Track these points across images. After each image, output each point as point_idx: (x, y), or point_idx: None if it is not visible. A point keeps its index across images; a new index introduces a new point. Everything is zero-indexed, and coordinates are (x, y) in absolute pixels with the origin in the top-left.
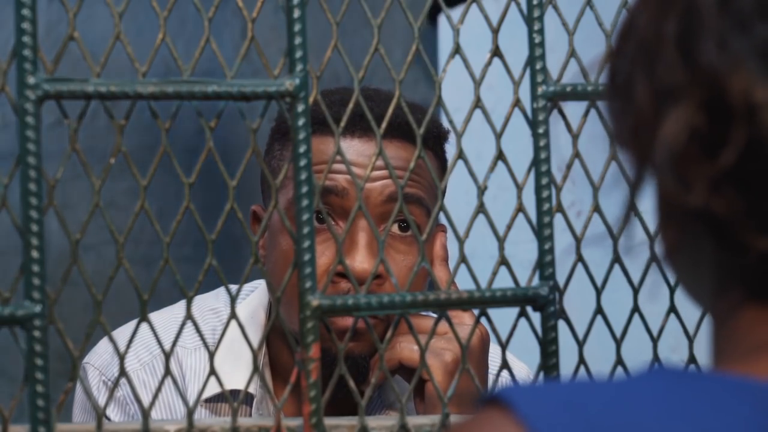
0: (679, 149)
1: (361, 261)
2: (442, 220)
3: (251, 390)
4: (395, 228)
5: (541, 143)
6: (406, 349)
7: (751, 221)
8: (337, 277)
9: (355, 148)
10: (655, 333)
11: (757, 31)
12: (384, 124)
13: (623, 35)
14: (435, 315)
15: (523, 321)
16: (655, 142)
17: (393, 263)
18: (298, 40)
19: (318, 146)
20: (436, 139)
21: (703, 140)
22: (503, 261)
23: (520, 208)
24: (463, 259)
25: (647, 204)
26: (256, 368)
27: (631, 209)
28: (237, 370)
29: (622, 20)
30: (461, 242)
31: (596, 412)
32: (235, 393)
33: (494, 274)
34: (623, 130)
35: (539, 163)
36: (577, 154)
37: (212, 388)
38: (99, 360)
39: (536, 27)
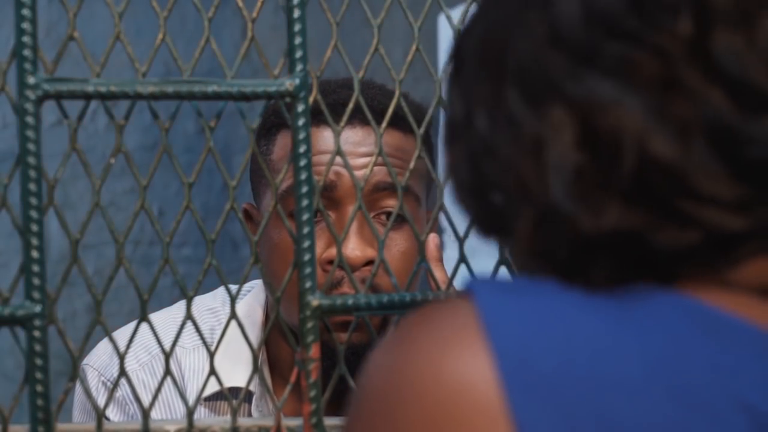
0: (570, 178)
1: (353, 248)
2: (442, 220)
3: (251, 387)
4: (384, 217)
5: None
6: None
7: (667, 224)
8: (328, 265)
9: (341, 137)
10: None
11: (601, 56)
12: (368, 112)
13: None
14: None
15: None
16: (533, 180)
17: (385, 250)
18: (298, 40)
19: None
20: (419, 123)
21: (590, 170)
22: (503, 261)
23: None
24: (463, 259)
25: None
26: (255, 368)
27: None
28: (236, 367)
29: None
30: (461, 242)
31: (548, 317)
32: (234, 390)
33: (494, 274)
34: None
35: None
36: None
37: (212, 387)
38: (98, 361)
39: None
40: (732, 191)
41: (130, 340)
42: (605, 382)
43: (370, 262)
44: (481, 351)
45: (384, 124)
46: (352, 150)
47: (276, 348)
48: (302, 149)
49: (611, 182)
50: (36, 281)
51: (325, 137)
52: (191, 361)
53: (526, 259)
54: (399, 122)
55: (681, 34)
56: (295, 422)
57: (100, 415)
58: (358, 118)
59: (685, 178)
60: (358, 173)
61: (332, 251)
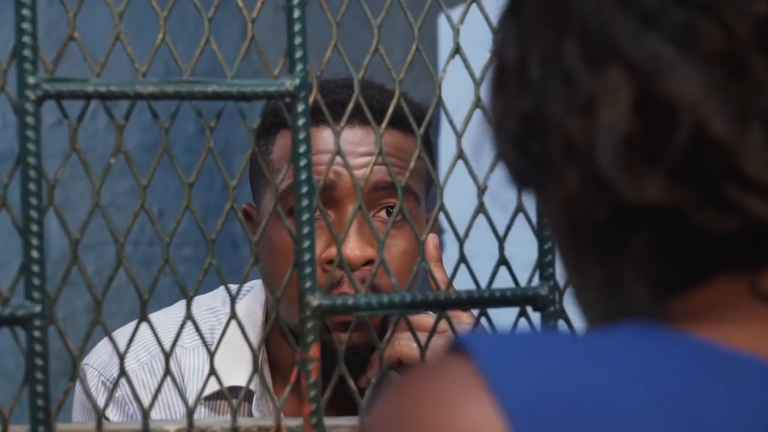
0: (621, 144)
1: (352, 248)
2: (442, 220)
3: (251, 387)
4: (383, 214)
5: None
6: (405, 346)
7: (706, 206)
8: (328, 265)
9: (340, 136)
10: None
11: (666, 21)
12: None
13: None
14: (433, 314)
15: (523, 321)
16: (589, 143)
17: (384, 249)
18: (298, 40)
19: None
20: (420, 123)
21: (641, 138)
22: (503, 261)
23: (520, 208)
24: (463, 259)
25: None
26: (256, 368)
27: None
28: (236, 367)
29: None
30: (461, 242)
31: (555, 369)
32: (234, 389)
33: (494, 274)
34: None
35: None
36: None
37: (212, 386)
38: (98, 361)
39: None
40: None
41: (130, 340)
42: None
43: (370, 262)
44: (488, 404)
45: (384, 124)
46: (351, 150)
47: (276, 348)
48: (302, 149)
49: (661, 153)
50: (36, 281)
51: (324, 137)
52: (191, 361)
53: (562, 219)
54: (398, 122)
55: (754, 14)
56: (295, 422)
57: (100, 415)
58: (357, 117)
59: (737, 161)
60: (358, 173)
61: (332, 251)
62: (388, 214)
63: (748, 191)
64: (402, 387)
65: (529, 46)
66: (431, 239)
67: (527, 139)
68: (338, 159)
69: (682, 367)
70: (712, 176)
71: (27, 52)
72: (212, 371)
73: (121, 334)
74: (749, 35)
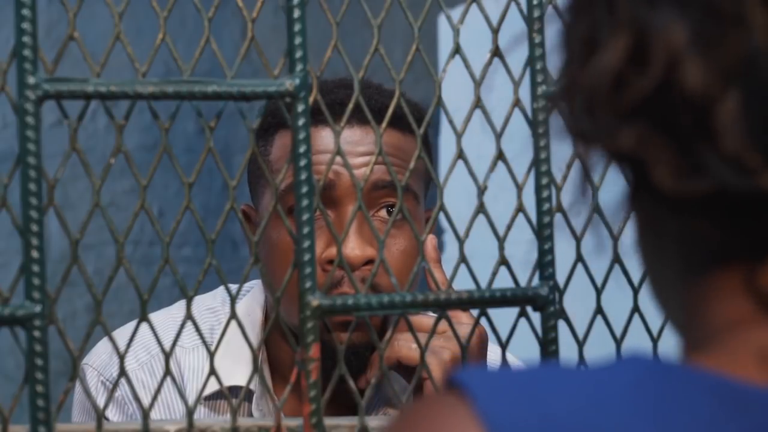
0: (604, 87)
1: (352, 247)
2: (442, 220)
3: (251, 386)
4: (383, 213)
5: (541, 143)
6: (405, 347)
7: (672, 165)
8: (328, 265)
9: (340, 136)
10: (655, 333)
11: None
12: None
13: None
14: (432, 314)
15: (523, 321)
16: (578, 87)
17: (384, 249)
18: (298, 40)
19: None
20: (419, 122)
21: (625, 82)
22: (503, 261)
23: (520, 208)
24: (463, 259)
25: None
26: (256, 368)
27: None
28: (236, 367)
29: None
30: (461, 242)
31: (558, 409)
32: (234, 389)
33: (494, 274)
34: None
35: (539, 163)
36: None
37: (212, 386)
38: (97, 361)
39: (536, 27)
40: (755, 156)
41: (130, 340)
42: None
43: (370, 261)
44: None
45: (384, 124)
46: (350, 149)
47: (276, 348)
48: (302, 149)
49: (632, 99)
50: (36, 281)
51: (323, 136)
52: (191, 361)
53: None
54: (397, 121)
55: None
56: (295, 422)
57: (100, 415)
58: (356, 117)
59: (709, 123)
60: (357, 172)
61: (332, 251)
62: (388, 213)
63: (718, 156)
64: (400, 423)
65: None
66: (429, 240)
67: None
68: (338, 159)
69: (693, 406)
70: (686, 132)
71: (27, 52)
72: (212, 371)
73: (121, 334)
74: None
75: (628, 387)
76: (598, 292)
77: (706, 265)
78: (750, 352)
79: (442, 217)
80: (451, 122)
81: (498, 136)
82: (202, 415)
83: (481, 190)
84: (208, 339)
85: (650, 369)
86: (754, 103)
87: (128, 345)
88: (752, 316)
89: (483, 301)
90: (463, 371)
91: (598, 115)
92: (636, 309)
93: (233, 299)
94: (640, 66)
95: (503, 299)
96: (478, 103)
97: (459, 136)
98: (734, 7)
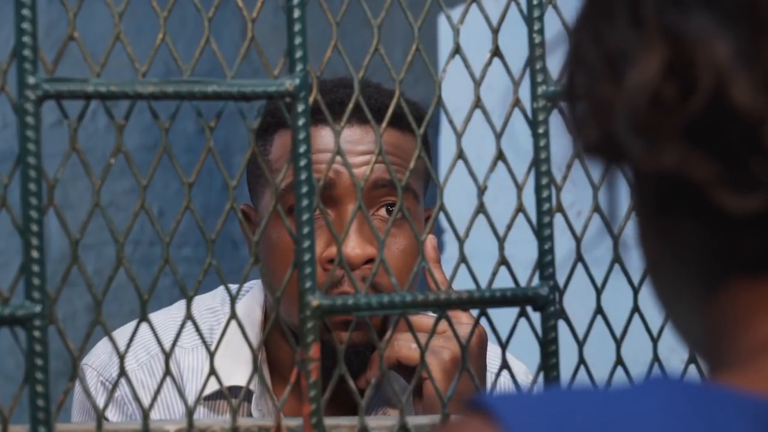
0: (643, 105)
1: (353, 246)
2: (442, 220)
3: (250, 386)
4: (383, 212)
5: (541, 143)
6: (405, 347)
7: (727, 182)
8: (328, 264)
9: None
10: (655, 333)
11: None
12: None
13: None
14: (432, 314)
15: (523, 321)
16: (613, 105)
17: (384, 247)
18: (298, 40)
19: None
20: (418, 121)
21: (665, 98)
22: (503, 261)
23: (520, 208)
24: (463, 259)
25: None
26: (255, 368)
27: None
28: (236, 366)
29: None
30: (461, 242)
31: (588, 430)
32: (234, 389)
33: (494, 274)
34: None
35: (539, 163)
36: (577, 154)
37: (212, 386)
38: (97, 361)
39: (536, 27)
40: None
41: (130, 340)
42: None
43: (370, 260)
44: None
45: (384, 124)
46: (350, 149)
47: (275, 348)
48: (302, 149)
49: (681, 119)
50: (36, 281)
51: (322, 136)
52: (190, 361)
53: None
54: (396, 120)
55: None
56: (295, 422)
57: (100, 416)
58: (356, 116)
59: (761, 135)
60: (357, 171)
61: (332, 250)
62: (388, 212)
63: None
64: None
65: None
66: (429, 240)
67: (572, 95)
68: (338, 158)
69: (725, 426)
70: (737, 149)
71: (27, 52)
72: (212, 371)
73: (121, 334)
74: None
75: (658, 408)
76: (598, 292)
77: (739, 281)
78: None
79: (442, 217)
80: (451, 122)
81: (498, 136)
82: (201, 415)
83: (481, 190)
84: (208, 339)
85: (679, 389)
86: None
87: (128, 345)
88: None
89: (483, 301)
90: (488, 394)
91: (638, 135)
92: (636, 309)
93: (233, 299)
94: (681, 81)
95: (503, 299)
96: (478, 103)
97: (459, 136)
98: None
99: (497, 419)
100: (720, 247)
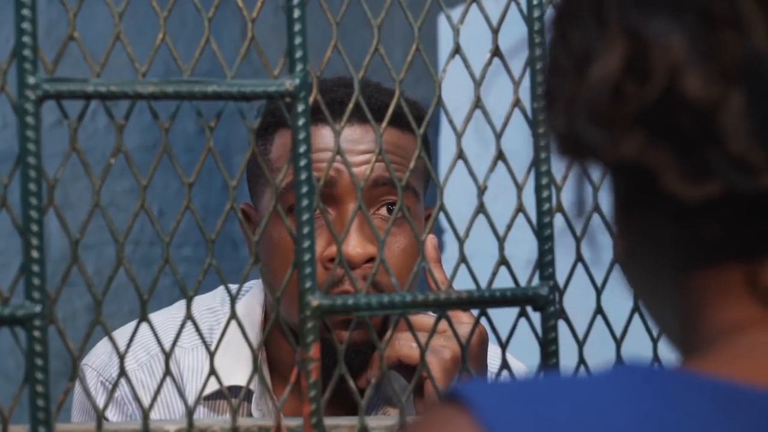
0: (603, 98)
1: (354, 245)
2: (442, 220)
3: (250, 386)
4: (384, 211)
5: (541, 143)
6: (405, 346)
7: (682, 171)
8: (329, 263)
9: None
10: (654, 333)
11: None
12: (365, 108)
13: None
14: (432, 314)
15: (523, 321)
16: (577, 101)
17: (385, 245)
18: (298, 40)
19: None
20: (418, 120)
21: (625, 92)
22: (503, 261)
23: (520, 208)
24: (463, 259)
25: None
26: (255, 368)
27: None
28: (236, 366)
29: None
30: (461, 242)
31: (559, 416)
32: (234, 389)
33: (494, 274)
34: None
35: (539, 163)
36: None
37: (212, 385)
38: (97, 361)
39: (536, 27)
40: (761, 156)
41: (130, 340)
42: None
43: (371, 259)
44: None
45: (384, 124)
46: (350, 148)
47: (275, 347)
48: (302, 149)
49: (637, 109)
50: (36, 281)
51: (323, 135)
52: (190, 361)
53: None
54: (396, 119)
55: None
56: (295, 422)
57: (100, 416)
58: (356, 115)
59: (714, 127)
60: (357, 170)
61: (333, 248)
62: (389, 210)
63: (726, 158)
64: None
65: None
66: (430, 240)
67: (549, 97)
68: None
69: (690, 408)
70: (692, 139)
71: (27, 52)
72: (212, 371)
73: (121, 335)
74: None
75: (626, 392)
76: (598, 292)
77: (704, 269)
78: (751, 353)
79: (442, 217)
80: (451, 122)
81: (498, 136)
82: (201, 415)
83: (481, 190)
84: (207, 339)
85: (647, 374)
86: (757, 103)
87: (128, 345)
88: (754, 317)
89: (483, 301)
90: (462, 383)
91: (598, 127)
92: (636, 309)
93: (233, 299)
94: (639, 76)
95: (503, 299)
96: (478, 103)
97: (459, 136)
98: (729, 11)
99: (472, 408)
100: (684, 238)
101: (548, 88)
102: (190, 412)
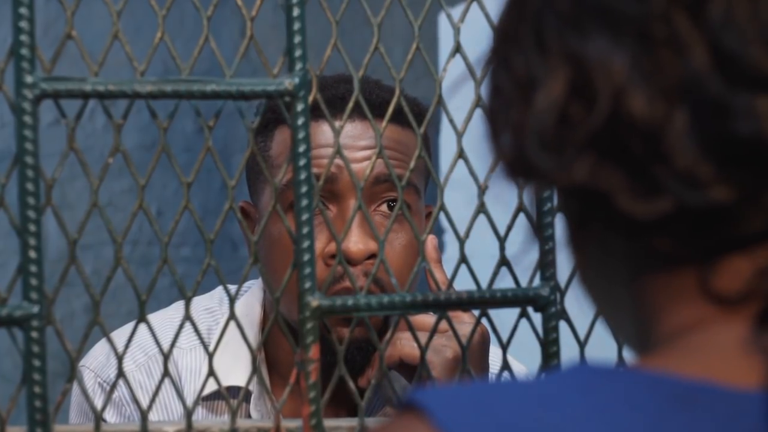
0: (550, 124)
1: (355, 242)
2: (442, 220)
3: (249, 387)
4: (384, 208)
5: None
6: (407, 345)
7: (632, 190)
8: (331, 260)
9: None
10: None
11: (617, 17)
12: (365, 106)
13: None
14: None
15: (524, 321)
16: (524, 127)
17: (386, 242)
18: (297, 39)
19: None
20: (417, 117)
21: (571, 116)
22: (504, 261)
23: (521, 208)
24: (463, 259)
25: None
26: (254, 368)
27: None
28: (234, 366)
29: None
30: (461, 242)
31: (512, 416)
32: (233, 389)
33: (495, 274)
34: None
35: None
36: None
37: (210, 386)
38: (94, 362)
39: None
40: (708, 170)
41: (129, 341)
42: None
43: (372, 256)
44: None
45: (384, 123)
46: (351, 144)
47: (274, 348)
48: (302, 148)
49: (585, 133)
50: (34, 281)
51: (323, 131)
52: (188, 362)
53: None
54: (396, 116)
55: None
56: (294, 423)
57: (98, 417)
58: (356, 111)
59: (662, 144)
60: (359, 166)
61: (335, 246)
62: (390, 207)
63: (674, 175)
64: None
65: (510, 36)
66: (430, 240)
67: (492, 126)
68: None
69: (639, 403)
70: (640, 158)
71: (24, 51)
72: (211, 371)
73: (119, 335)
74: (687, 21)
75: (576, 389)
76: None
77: (657, 275)
78: (701, 349)
79: (442, 216)
80: (451, 121)
81: None
82: (199, 415)
83: (482, 190)
84: (206, 340)
85: (599, 372)
86: (701, 120)
87: (126, 346)
88: (705, 317)
89: (483, 301)
90: (417, 392)
91: (547, 153)
92: None
93: (232, 300)
94: (584, 99)
95: (504, 299)
96: (478, 103)
97: (459, 135)
98: (667, 32)
99: (430, 415)
100: (635, 251)
101: (491, 114)
102: (188, 413)
